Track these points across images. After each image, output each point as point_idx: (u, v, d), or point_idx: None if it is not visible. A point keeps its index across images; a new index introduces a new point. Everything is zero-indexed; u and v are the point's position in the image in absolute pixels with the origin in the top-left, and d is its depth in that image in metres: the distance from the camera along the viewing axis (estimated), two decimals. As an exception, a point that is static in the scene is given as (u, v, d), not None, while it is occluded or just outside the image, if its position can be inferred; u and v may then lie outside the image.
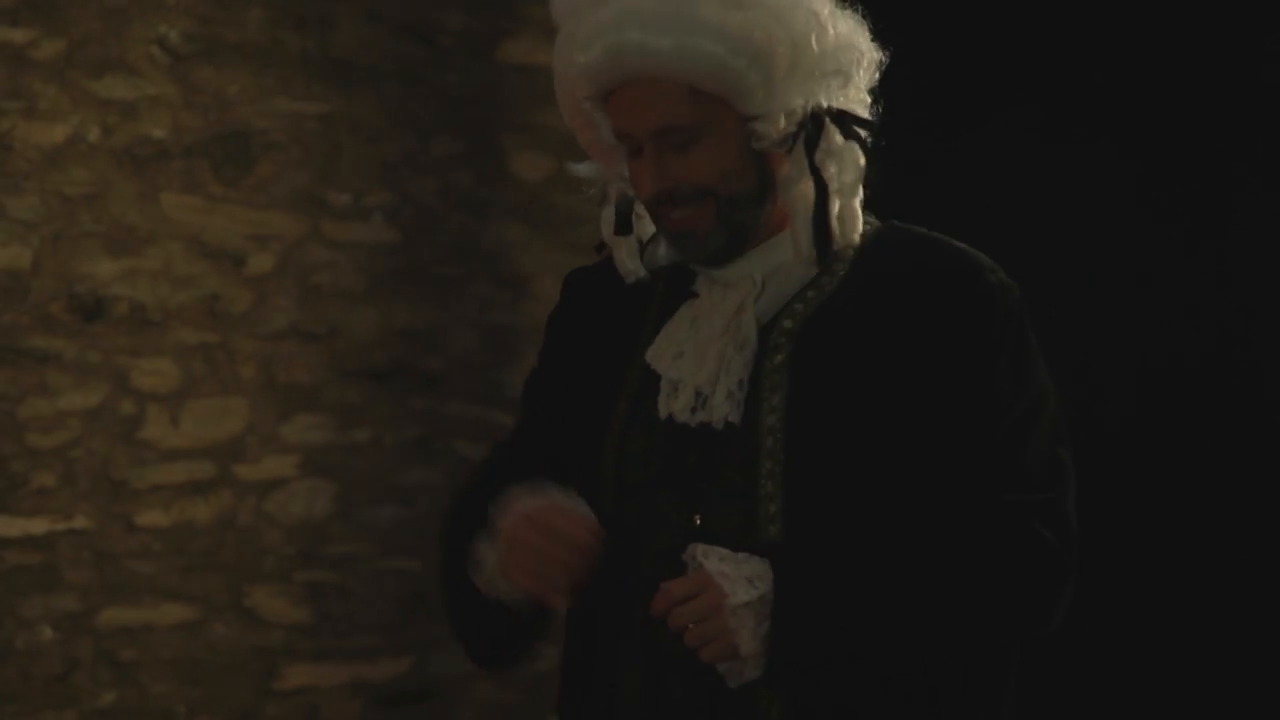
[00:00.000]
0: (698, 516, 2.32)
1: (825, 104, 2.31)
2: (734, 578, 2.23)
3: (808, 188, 2.32)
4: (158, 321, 4.65)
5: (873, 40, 2.37)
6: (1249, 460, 4.47)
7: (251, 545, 4.78)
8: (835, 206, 2.33)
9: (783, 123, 2.30)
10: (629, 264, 2.43)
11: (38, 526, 4.53)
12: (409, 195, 4.97)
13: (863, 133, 2.34)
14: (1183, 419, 4.53)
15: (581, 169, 2.50)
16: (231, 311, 4.75)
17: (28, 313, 4.50)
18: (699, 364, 2.34)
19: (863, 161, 2.34)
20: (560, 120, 5.57)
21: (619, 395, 2.38)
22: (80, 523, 4.57)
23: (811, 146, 2.31)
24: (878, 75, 2.38)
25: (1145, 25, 4.55)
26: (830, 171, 2.32)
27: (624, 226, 2.44)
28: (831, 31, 2.31)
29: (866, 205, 2.41)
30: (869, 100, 2.37)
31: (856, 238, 2.35)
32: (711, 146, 2.30)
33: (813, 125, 2.31)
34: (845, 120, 2.32)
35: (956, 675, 2.31)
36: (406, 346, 4.98)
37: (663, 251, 2.44)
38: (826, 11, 2.32)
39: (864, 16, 2.38)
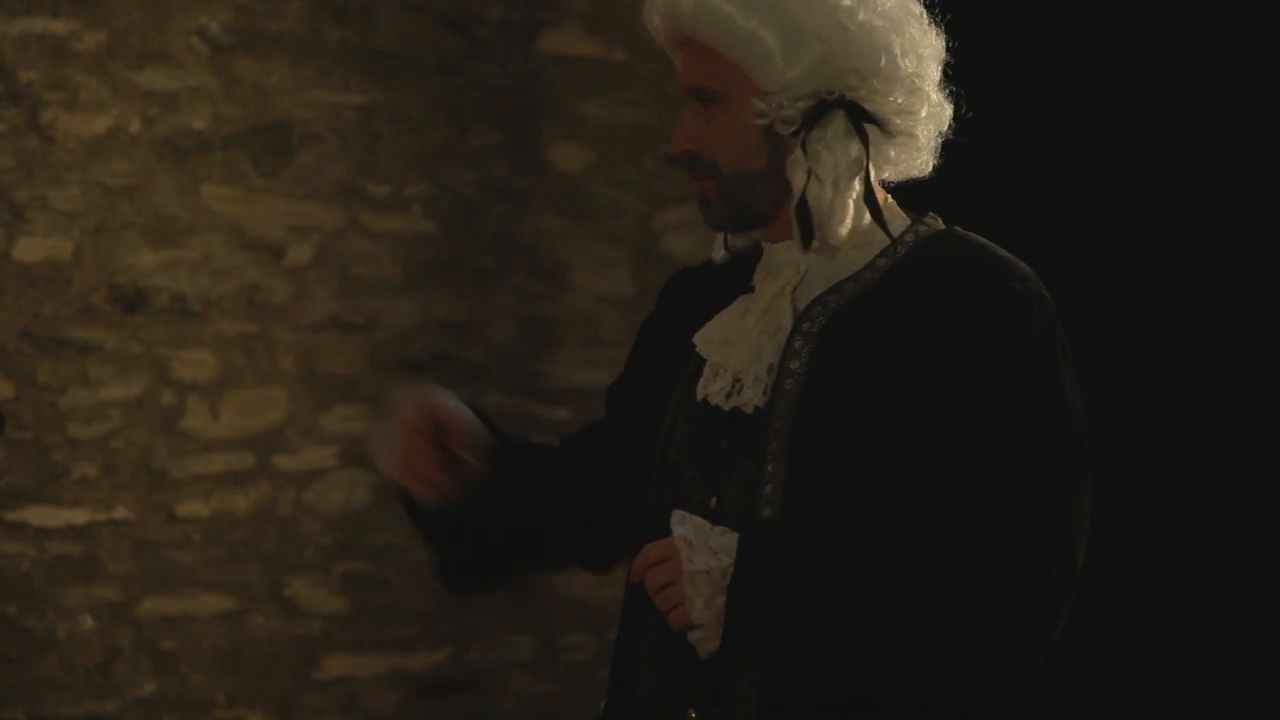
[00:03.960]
0: (714, 498, 2.34)
1: (835, 93, 2.32)
2: (697, 545, 2.25)
3: (804, 175, 2.35)
4: (198, 312, 4.66)
5: (940, 35, 2.38)
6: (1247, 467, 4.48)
7: (291, 536, 4.79)
8: (820, 198, 2.34)
9: (786, 103, 2.32)
10: (716, 244, 2.49)
11: (79, 516, 4.54)
12: (448, 186, 4.97)
13: (881, 140, 2.35)
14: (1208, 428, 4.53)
15: None
16: (271, 302, 4.75)
17: (69, 304, 4.52)
18: (739, 350, 2.37)
19: (858, 157, 2.34)
20: (599, 111, 5.58)
21: (676, 381, 2.43)
22: (121, 513, 4.59)
23: (808, 131, 2.33)
24: (939, 93, 2.38)
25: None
26: (825, 163, 2.33)
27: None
28: (854, 24, 2.32)
29: (928, 207, 2.42)
30: (917, 113, 2.35)
31: (843, 232, 2.35)
32: (727, 119, 2.36)
33: (817, 111, 2.33)
34: (856, 116, 2.33)
35: (948, 684, 2.27)
36: (445, 337, 4.98)
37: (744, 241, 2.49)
38: (850, 2, 2.32)
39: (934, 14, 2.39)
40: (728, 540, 2.25)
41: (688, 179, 2.41)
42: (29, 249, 4.48)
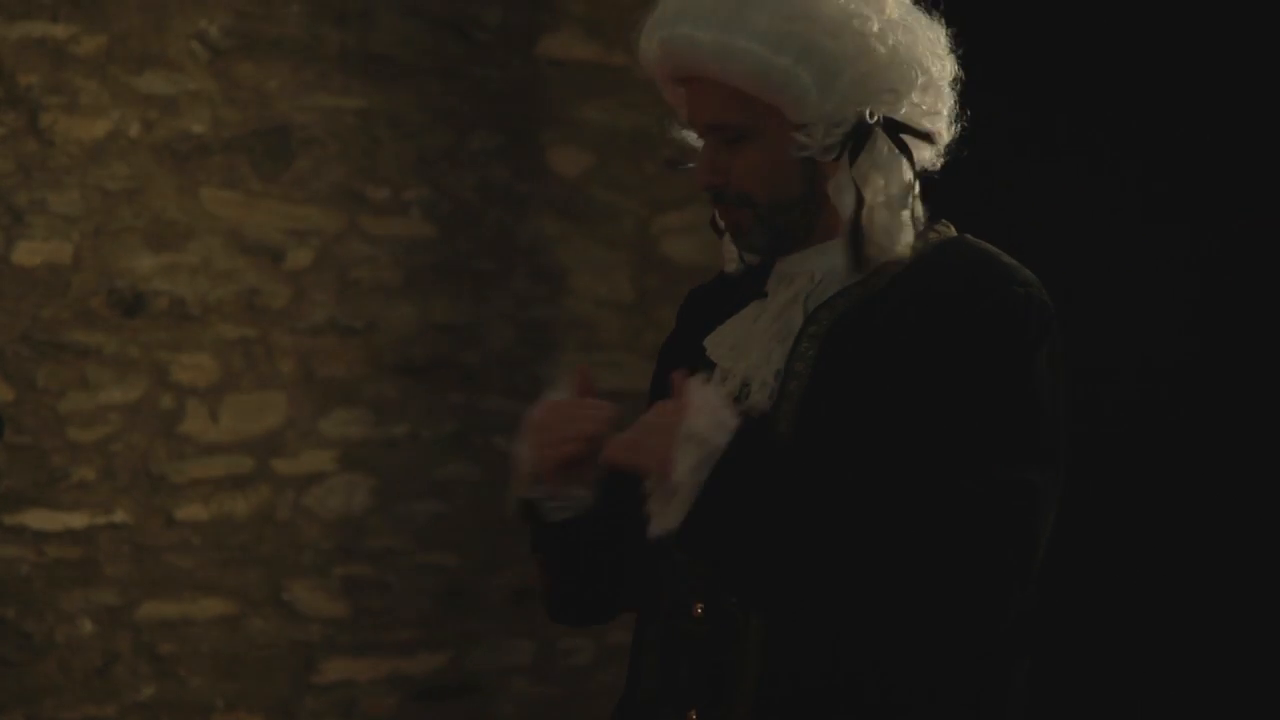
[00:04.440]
0: None
1: (875, 115, 2.32)
2: (704, 410, 2.24)
3: (853, 198, 2.35)
4: (197, 316, 4.66)
5: (952, 53, 2.39)
6: (1249, 462, 4.47)
7: (290, 540, 4.79)
8: (876, 218, 2.34)
9: (826, 133, 2.32)
10: (728, 256, 2.48)
11: (78, 520, 4.54)
12: (447, 190, 4.97)
13: (920, 146, 2.36)
14: (1182, 420, 4.53)
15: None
16: (270, 306, 4.75)
17: (68, 307, 4.51)
18: (748, 354, 2.38)
19: (910, 175, 2.35)
20: (599, 115, 5.59)
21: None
22: (120, 517, 4.59)
23: (855, 157, 2.33)
24: (952, 88, 2.38)
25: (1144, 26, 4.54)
26: (875, 184, 2.34)
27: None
28: (885, 46, 2.31)
29: (940, 215, 2.42)
30: (941, 112, 2.37)
31: (898, 250, 2.36)
32: (757, 152, 2.35)
33: (860, 136, 2.32)
34: (895, 132, 2.33)
35: (936, 679, 2.28)
36: (444, 341, 4.98)
37: None
38: (878, 27, 2.32)
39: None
40: (733, 419, 2.24)
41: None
42: (28, 252, 4.48)
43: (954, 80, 2.39)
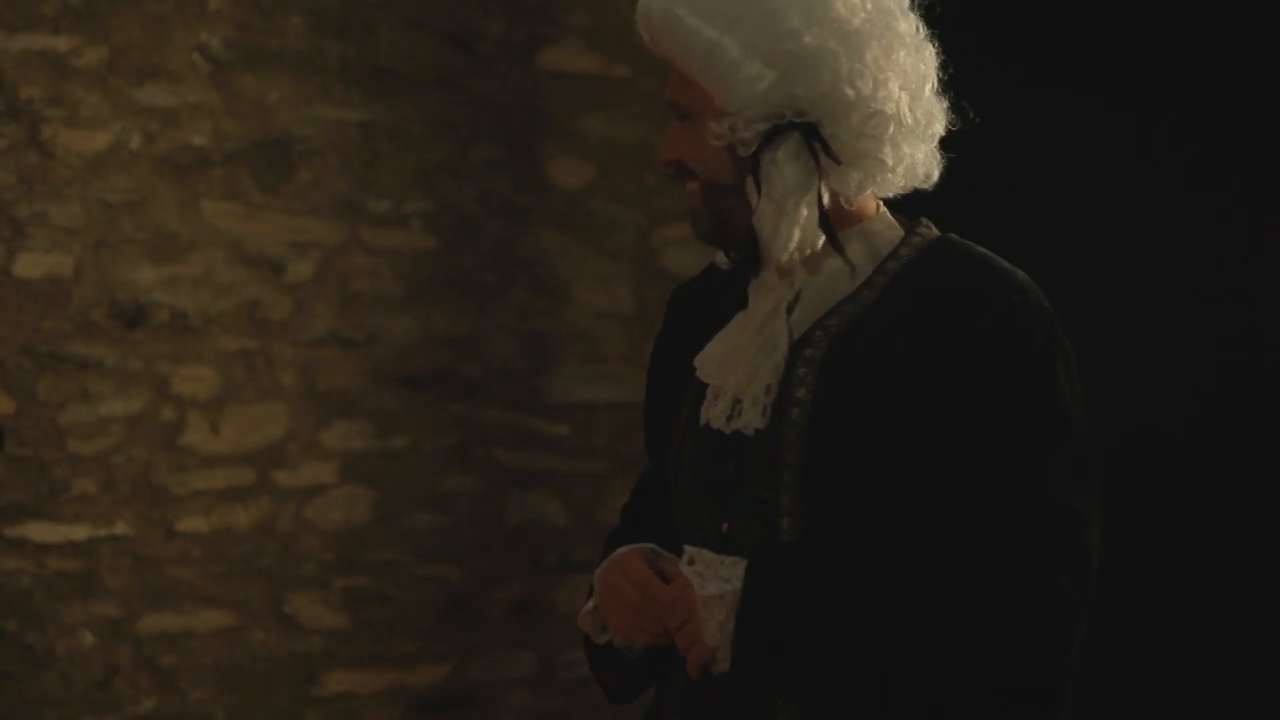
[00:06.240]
0: (725, 525, 2.33)
1: (786, 117, 2.31)
2: (707, 575, 2.26)
3: (756, 194, 2.35)
4: (198, 328, 4.66)
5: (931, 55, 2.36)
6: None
7: (291, 552, 4.79)
8: (759, 216, 2.33)
9: (743, 124, 2.32)
10: (719, 255, 2.48)
11: (79, 533, 4.54)
12: (448, 202, 4.97)
13: (856, 166, 2.33)
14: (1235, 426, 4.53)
15: None
16: (271, 318, 4.76)
17: (69, 320, 4.52)
18: (736, 371, 2.36)
19: (803, 176, 2.32)
20: (600, 127, 5.58)
21: (683, 402, 2.42)
22: (121, 529, 4.58)
23: (760, 151, 2.33)
24: (916, 89, 2.34)
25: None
26: (772, 182, 2.32)
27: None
28: (801, 45, 2.29)
29: (922, 214, 2.41)
30: (879, 137, 2.32)
31: (784, 257, 2.34)
32: (696, 136, 2.35)
33: (773, 134, 2.32)
34: (810, 134, 2.32)
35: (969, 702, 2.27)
36: (445, 353, 4.98)
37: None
38: (797, 25, 2.30)
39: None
40: (735, 568, 2.26)
41: (687, 195, 2.41)
42: (29, 265, 4.49)
43: (931, 98, 2.35)
